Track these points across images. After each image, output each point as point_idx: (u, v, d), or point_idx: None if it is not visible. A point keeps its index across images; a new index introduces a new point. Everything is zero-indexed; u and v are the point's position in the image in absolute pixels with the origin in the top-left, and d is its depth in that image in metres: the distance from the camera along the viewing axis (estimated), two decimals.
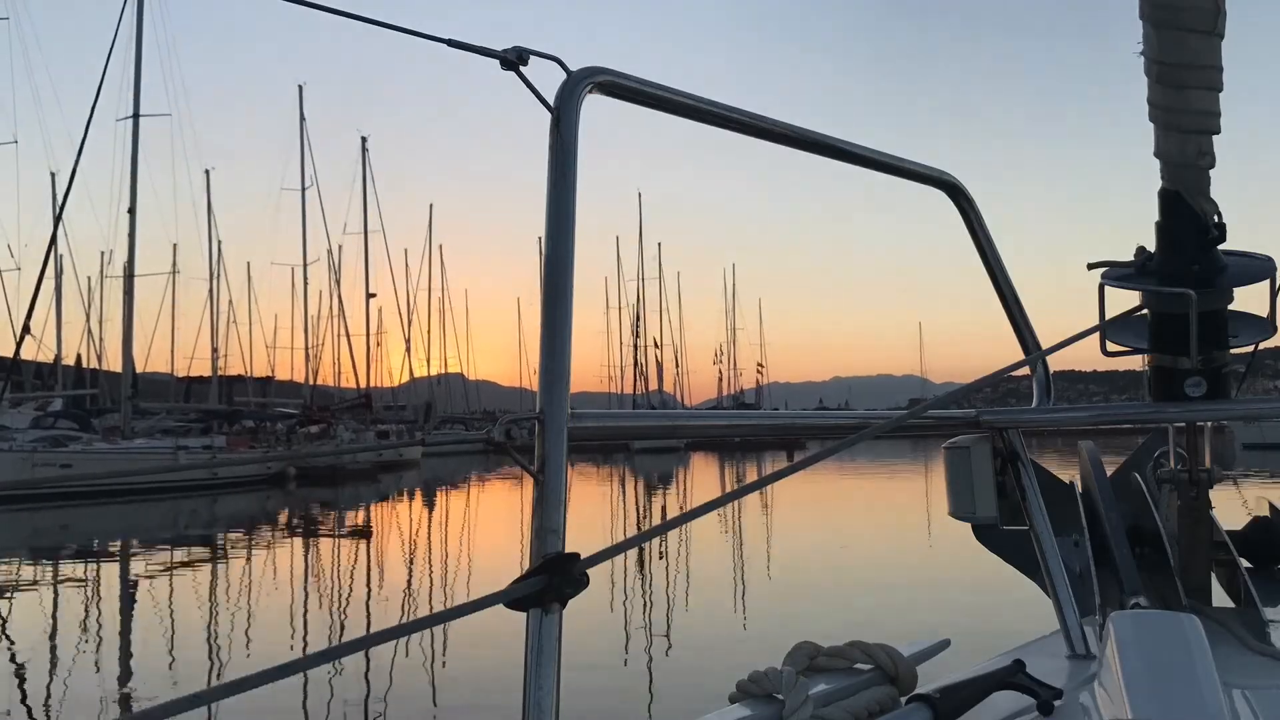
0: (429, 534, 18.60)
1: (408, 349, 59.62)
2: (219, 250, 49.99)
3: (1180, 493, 2.22)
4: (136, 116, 33.94)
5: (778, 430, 1.98)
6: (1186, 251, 2.08)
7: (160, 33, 55.02)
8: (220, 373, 47.21)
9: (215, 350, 48.25)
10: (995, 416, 2.03)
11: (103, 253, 46.38)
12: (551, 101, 1.20)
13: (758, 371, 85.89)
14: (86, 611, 10.46)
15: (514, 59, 1.19)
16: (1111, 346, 2.11)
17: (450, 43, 1.20)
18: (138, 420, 33.04)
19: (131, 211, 33.62)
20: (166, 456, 29.71)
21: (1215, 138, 2.11)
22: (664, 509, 22.52)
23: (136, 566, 14.43)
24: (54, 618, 10.16)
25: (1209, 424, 2.25)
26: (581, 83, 1.22)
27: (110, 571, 14.12)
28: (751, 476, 35.24)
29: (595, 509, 20.77)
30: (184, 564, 13.97)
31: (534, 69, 1.26)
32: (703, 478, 34.91)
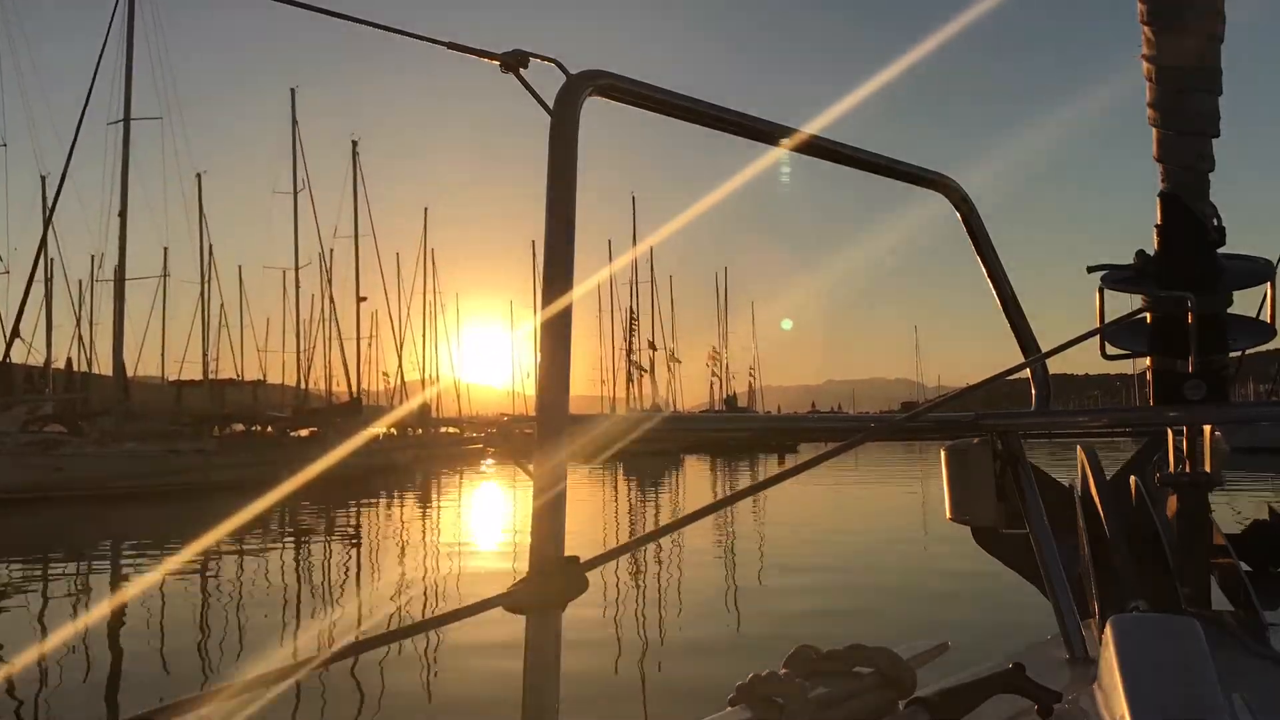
0: (425, 536, 18.56)
1: (399, 352, 59.51)
2: (210, 254, 49.73)
3: (1180, 496, 2.21)
4: (127, 120, 33.77)
5: (777, 434, 1.99)
6: (1186, 254, 2.09)
7: (152, 35, 54.75)
8: (211, 376, 47.04)
9: (206, 354, 48.09)
10: (995, 419, 2.02)
11: (93, 256, 46.02)
12: (551, 104, 1.20)
13: (750, 375, 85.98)
14: (77, 613, 10.41)
15: (513, 62, 1.19)
16: (1111, 349, 2.12)
17: (450, 45, 1.20)
18: (128, 424, 32.91)
19: (122, 215, 33.47)
20: (157, 460, 29.60)
21: (1215, 140, 2.11)
22: (658, 512, 22.51)
23: (128, 569, 14.37)
24: (42, 620, 10.11)
25: (1208, 427, 2.25)
26: (581, 86, 1.22)
27: (101, 574, 14.07)
28: (745, 479, 35.27)
29: (590, 512, 20.74)
30: (175, 568, 13.90)
31: (533, 72, 1.25)
32: (697, 481, 34.90)
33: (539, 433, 1.09)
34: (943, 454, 2.05)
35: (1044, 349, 2.07)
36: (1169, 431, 2.29)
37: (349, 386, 48.81)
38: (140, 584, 12.66)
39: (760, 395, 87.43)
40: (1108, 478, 2.26)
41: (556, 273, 1.14)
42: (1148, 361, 2.17)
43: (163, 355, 49.71)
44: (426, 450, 47.63)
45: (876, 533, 16.30)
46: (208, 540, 17.04)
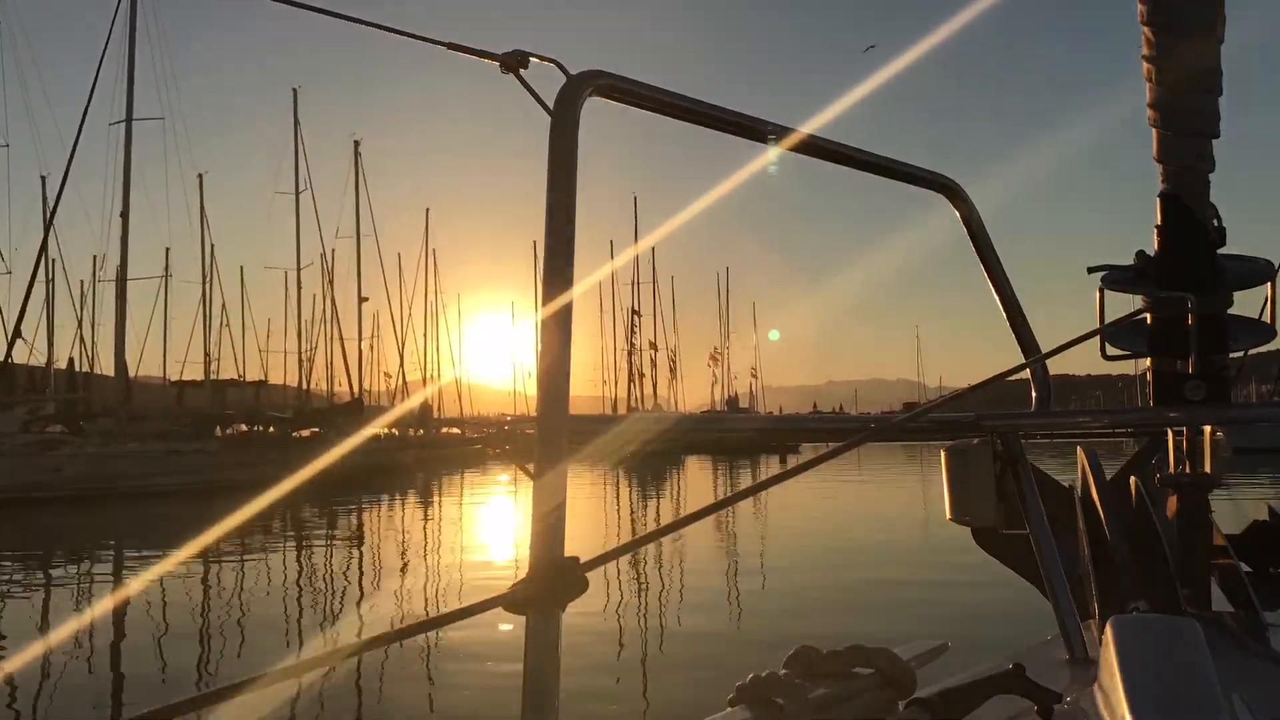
0: (426, 537, 18.57)
1: (401, 352, 59.51)
2: (212, 254, 49.76)
3: (1180, 496, 2.21)
4: (129, 120, 33.78)
5: (777, 434, 1.99)
6: (1186, 255, 2.09)
7: (154, 36, 54.76)
8: (213, 377, 47.04)
9: (208, 354, 48.10)
10: (995, 420, 2.02)
11: (95, 256, 45.98)
12: (551, 105, 1.20)
13: (751, 375, 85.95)
14: (79, 614, 10.41)
15: (513, 62, 1.19)
16: (1111, 350, 2.12)
17: (451, 46, 1.20)
18: (130, 424, 32.91)
19: (124, 215, 33.48)
20: (159, 460, 29.60)
21: (1215, 141, 2.11)
22: (659, 512, 22.51)
23: (129, 570, 14.37)
24: (45, 621, 10.11)
25: (1209, 428, 2.25)
26: (581, 86, 1.22)
27: (102, 574, 14.06)
28: (746, 480, 35.25)
29: (590, 512, 20.74)
30: (177, 569, 13.90)
31: (533, 72, 1.26)
32: (697, 481, 34.90)
33: (539, 433, 1.08)
34: (943, 454, 2.05)
35: (1044, 350, 2.07)
36: (1169, 432, 2.29)
37: (350, 387, 48.90)
38: (141, 584, 12.66)
39: (761, 396, 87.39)
40: (1108, 478, 2.26)
41: (557, 273, 1.14)
42: (1148, 362, 2.17)
43: (164, 356, 49.75)
44: (428, 451, 47.63)
45: (877, 533, 16.30)
46: (209, 540, 17.06)
